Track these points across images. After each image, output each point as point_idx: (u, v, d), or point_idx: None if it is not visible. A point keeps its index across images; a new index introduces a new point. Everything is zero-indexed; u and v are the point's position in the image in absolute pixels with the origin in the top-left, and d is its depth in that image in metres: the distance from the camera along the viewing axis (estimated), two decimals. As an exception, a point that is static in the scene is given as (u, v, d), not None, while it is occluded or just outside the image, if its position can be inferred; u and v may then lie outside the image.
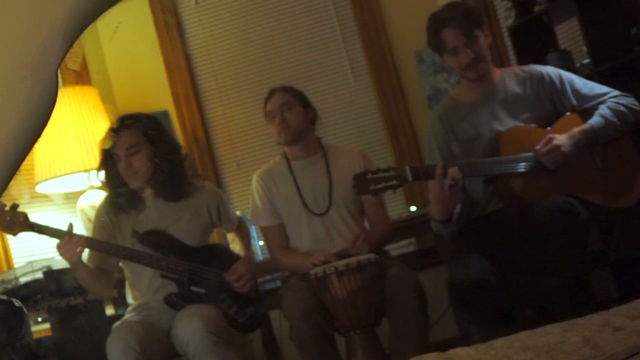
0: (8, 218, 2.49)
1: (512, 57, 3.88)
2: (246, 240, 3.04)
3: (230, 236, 3.07)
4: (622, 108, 2.57)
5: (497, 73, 2.72)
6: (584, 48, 3.50)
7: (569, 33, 3.80)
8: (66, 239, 2.55)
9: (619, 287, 2.99)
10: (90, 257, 2.74)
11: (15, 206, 2.53)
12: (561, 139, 2.49)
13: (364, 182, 2.41)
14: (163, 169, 2.76)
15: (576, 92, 2.63)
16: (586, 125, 2.54)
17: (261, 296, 2.97)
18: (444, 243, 2.78)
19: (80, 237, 2.59)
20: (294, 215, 2.91)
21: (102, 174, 2.79)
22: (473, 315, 2.59)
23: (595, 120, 2.54)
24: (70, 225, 2.61)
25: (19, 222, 2.50)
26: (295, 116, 2.89)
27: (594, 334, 1.32)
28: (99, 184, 2.84)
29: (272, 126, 2.91)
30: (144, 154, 2.74)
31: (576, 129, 2.53)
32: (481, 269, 2.46)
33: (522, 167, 2.50)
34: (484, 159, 2.54)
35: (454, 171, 2.38)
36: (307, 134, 2.94)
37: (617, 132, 2.56)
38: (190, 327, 2.51)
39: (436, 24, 2.61)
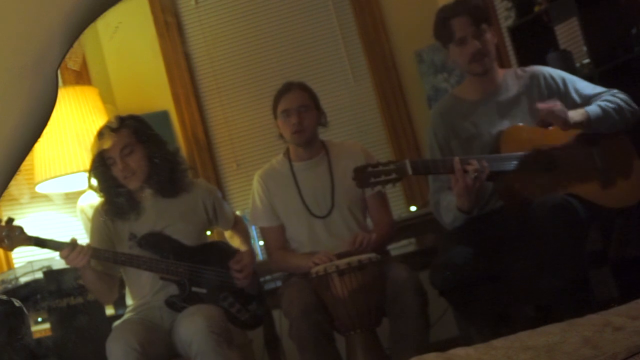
0: (4, 233, 2.45)
1: (512, 57, 3.87)
2: (245, 237, 3.03)
3: (228, 234, 3.06)
4: (619, 101, 2.58)
5: (500, 73, 2.73)
6: (584, 48, 3.50)
7: (569, 33, 3.80)
8: (70, 249, 2.53)
9: (619, 287, 2.99)
10: (93, 262, 2.72)
11: (10, 220, 2.49)
12: (565, 110, 2.50)
13: (364, 176, 2.42)
14: (162, 167, 2.76)
15: (579, 93, 2.65)
16: (581, 110, 2.55)
17: (263, 293, 2.96)
18: (444, 242, 2.79)
19: (84, 247, 2.57)
20: (294, 218, 2.90)
21: (97, 176, 2.76)
22: (453, 299, 2.60)
23: (591, 108, 2.56)
24: (74, 239, 2.58)
25: (15, 237, 2.46)
26: (311, 119, 2.87)
27: (594, 334, 1.32)
28: (94, 188, 2.80)
29: (284, 124, 2.87)
30: (138, 154, 2.74)
31: (572, 111, 2.54)
32: (464, 255, 2.48)
33: (521, 165, 2.50)
34: (486, 155, 2.54)
35: (475, 164, 2.40)
36: (316, 137, 2.94)
37: (612, 123, 2.56)
38: (192, 327, 2.50)
39: (445, 14, 2.65)
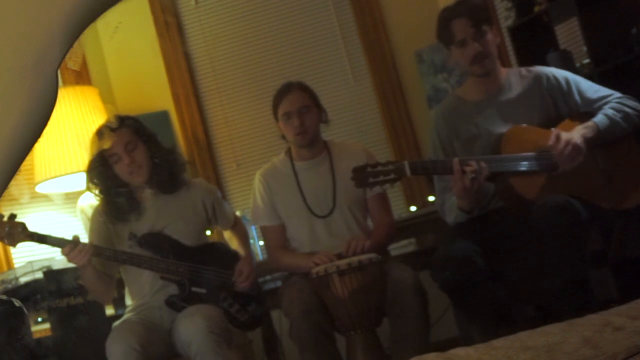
0: (6, 229, 2.46)
1: (512, 57, 3.87)
2: (244, 238, 3.03)
3: (227, 234, 3.06)
4: (626, 109, 2.57)
5: (503, 73, 2.73)
6: (584, 48, 3.50)
7: (569, 33, 3.80)
8: (72, 246, 2.54)
9: (619, 287, 2.99)
10: (94, 261, 2.73)
11: (13, 216, 2.50)
12: (570, 135, 2.49)
13: (362, 176, 2.43)
14: (161, 166, 2.77)
15: (582, 94, 2.64)
16: (590, 123, 2.54)
17: (263, 294, 2.97)
18: (445, 239, 2.79)
19: (86, 244, 2.58)
20: (295, 217, 2.90)
21: (97, 176, 2.76)
22: (454, 294, 2.60)
23: (599, 118, 2.55)
24: (76, 236, 2.60)
25: (17, 233, 2.48)
26: (312, 120, 2.86)
27: (594, 334, 1.32)
28: (93, 188, 2.79)
29: (286, 127, 2.86)
30: (142, 149, 2.75)
31: (580, 126, 2.54)
32: (466, 249, 2.49)
33: (523, 166, 2.50)
34: (486, 156, 2.54)
35: (473, 165, 2.40)
36: (319, 136, 2.94)
37: (620, 132, 2.56)
38: (192, 328, 2.50)
39: (447, 16, 2.65)
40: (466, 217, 2.56)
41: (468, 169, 2.40)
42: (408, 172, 2.43)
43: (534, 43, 3.69)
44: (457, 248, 2.51)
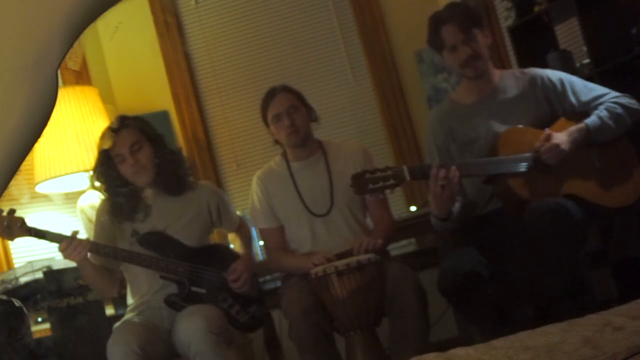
0: (5, 223, 2.48)
1: (512, 57, 3.87)
2: (247, 240, 3.04)
3: (231, 236, 3.07)
4: (619, 109, 2.57)
5: (496, 74, 2.73)
6: (584, 48, 3.50)
7: (569, 33, 3.80)
8: (68, 242, 2.55)
9: (619, 287, 2.99)
10: (92, 257, 2.73)
11: (12, 211, 2.51)
12: (559, 136, 2.50)
13: (361, 182, 2.42)
14: (165, 167, 2.78)
15: (576, 94, 2.64)
16: (582, 125, 2.55)
17: (263, 295, 2.97)
18: (444, 242, 2.79)
19: (82, 240, 2.59)
20: (294, 218, 2.90)
21: (101, 175, 2.78)
22: (460, 306, 2.61)
23: (591, 120, 2.55)
24: (75, 232, 2.61)
25: (16, 227, 2.50)
26: (302, 118, 2.87)
27: (594, 334, 1.32)
28: (97, 187, 2.81)
29: (277, 129, 2.87)
30: (147, 150, 2.76)
31: (573, 127, 2.54)
32: (473, 261, 2.49)
33: (519, 167, 2.50)
34: (480, 159, 2.55)
35: (447, 171, 2.40)
36: (311, 135, 2.95)
37: (613, 133, 2.56)
38: (192, 328, 2.50)
39: (436, 22, 2.65)
40: (441, 224, 2.56)
41: (440, 174, 2.40)
42: (407, 177, 2.44)
43: (534, 43, 3.69)
44: (463, 260, 2.50)
